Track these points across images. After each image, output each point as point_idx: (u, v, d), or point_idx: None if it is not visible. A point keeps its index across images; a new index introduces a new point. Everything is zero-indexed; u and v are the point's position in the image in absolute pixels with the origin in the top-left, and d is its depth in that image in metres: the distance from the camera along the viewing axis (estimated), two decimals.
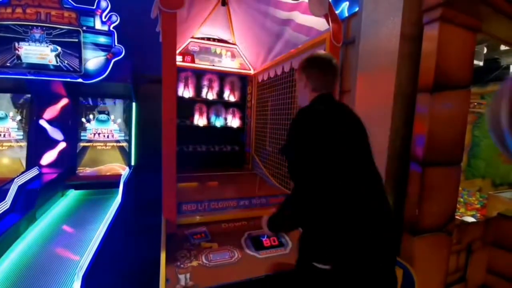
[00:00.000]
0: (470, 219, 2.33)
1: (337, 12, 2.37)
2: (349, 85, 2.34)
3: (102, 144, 3.36)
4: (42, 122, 3.15)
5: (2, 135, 3.00)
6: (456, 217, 2.17)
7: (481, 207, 2.62)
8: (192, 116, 3.23)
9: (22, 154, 3.06)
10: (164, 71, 1.36)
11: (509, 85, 0.50)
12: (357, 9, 2.40)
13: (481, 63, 2.58)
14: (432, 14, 1.64)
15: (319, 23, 1.86)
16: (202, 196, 1.97)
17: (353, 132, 1.06)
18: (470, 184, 3.12)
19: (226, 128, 3.40)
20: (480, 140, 3.09)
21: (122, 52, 3.09)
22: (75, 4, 2.87)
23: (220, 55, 3.19)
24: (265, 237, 1.43)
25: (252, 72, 3.32)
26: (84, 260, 1.48)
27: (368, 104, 1.93)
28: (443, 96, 1.64)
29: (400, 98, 1.70)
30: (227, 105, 3.40)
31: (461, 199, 2.74)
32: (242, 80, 3.42)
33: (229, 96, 3.40)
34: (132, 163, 3.38)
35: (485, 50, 2.59)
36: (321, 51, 1.18)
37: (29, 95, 3.08)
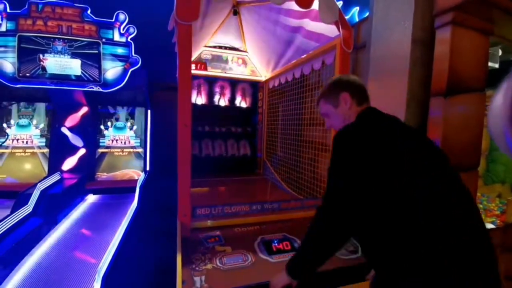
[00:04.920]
0: (490, 226, 2.25)
1: (347, 17, 2.39)
2: None
3: (119, 150, 3.48)
4: (64, 130, 3.30)
5: (25, 142, 3.17)
6: None
7: (501, 213, 2.53)
8: (205, 122, 3.30)
9: (44, 160, 3.21)
10: (180, 80, 1.42)
11: (510, 83, 0.50)
12: (367, 14, 2.41)
13: (496, 65, 2.52)
14: (443, 18, 1.64)
15: (330, 30, 1.88)
16: (216, 200, 2.02)
17: (423, 149, 0.89)
18: (490, 189, 3.01)
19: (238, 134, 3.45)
20: None
21: (138, 62, 3.22)
22: (95, 18, 3.03)
23: (232, 63, 3.26)
24: (276, 242, 1.45)
25: (263, 78, 3.37)
26: (104, 261, 1.54)
27: (380, 108, 1.92)
28: (458, 99, 1.62)
29: (413, 103, 1.69)
30: (239, 111, 3.45)
31: (481, 205, 2.65)
32: (253, 87, 3.47)
33: (241, 102, 3.46)
34: (148, 169, 3.48)
35: (500, 53, 2.53)
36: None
37: (51, 104, 3.25)
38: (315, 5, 1.70)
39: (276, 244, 1.43)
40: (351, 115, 1.04)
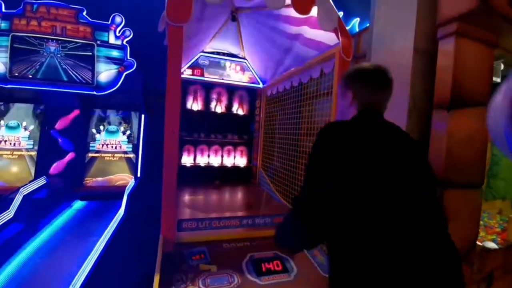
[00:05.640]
0: (491, 244, 2.15)
1: (347, 28, 2.35)
2: None
3: (110, 155, 3.37)
4: (53, 132, 3.20)
5: (13, 144, 3.06)
6: (477, 242, 2.01)
7: (502, 230, 2.43)
8: (201, 129, 3.22)
9: (32, 163, 3.11)
10: (168, 84, 1.34)
11: (510, 83, 0.50)
12: (368, 24, 2.37)
13: (498, 80, 2.48)
14: (447, 29, 1.59)
15: (329, 38, 1.83)
16: (204, 212, 1.90)
17: (389, 163, 0.81)
18: (490, 205, 2.92)
19: (234, 142, 3.37)
20: (500, 159, 2.92)
21: (133, 65, 3.16)
22: (90, 19, 2.97)
23: (229, 69, 3.20)
24: (267, 261, 1.34)
25: (261, 86, 3.31)
26: (79, 276, 1.42)
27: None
28: (462, 113, 1.54)
29: (414, 114, 1.61)
30: (236, 119, 3.38)
31: (481, 222, 2.56)
32: (251, 94, 3.40)
33: (238, 109, 3.39)
34: (139, 175, 3.36)
35: (502, 67, 2.48)
36: (371, 63, 1.02)
37: (42, 106, 3.16)
38: (314, 12, 1.65)
39: (266, 264, 1.33)
40: (349, 113, 0.97)
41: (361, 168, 0.77)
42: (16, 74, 2.83)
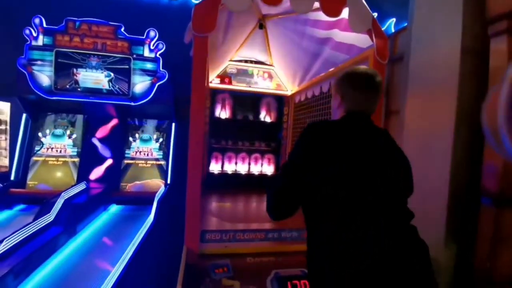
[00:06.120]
0: None
1: (382, 28, 2.20)
2: (397, 105, 2.10)
3: (143, 161, 3.51)
4: (94, 140, 3.43)
5: (59, 151, 3.33)
6: None
7: None
8: (228, 136, 3.24)
9: (75, 169, 3.34)
10: (193, 95, 1.33)
11: (509, 82, 0.50)
12: (405, 24, 2.20)
13: None
14: (497, 26, 1.41)
15: (361, 40, 1.71)
16: (229, 221, 1.84)
17: (367, 160, 0.86)
18: None
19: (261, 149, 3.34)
20: None
21: (165, 76, 3.28)
22: (127, 35, 3.16)
23: (257, 77, 3.19)
24: (293, 279, 1.24)
25: (289, 92, 3.24)
26: (108, 282, 1.45)
27: (422, 126, 1.67)
28: None
29: (463, 123, 1.43)
30: (263, 126, 3.35)
31: None
32: (279, 101, 3.35)
33: (265, 117, 3.35)
34: (168, 182, 3.45)
35: None
36: (363, 66, 1.06)
37: (84, 116, 3.41)
38: (345, 14, 1.55)
39: (293, 282, 1.23)
40: (337, 114, 1.04)
41: (349, 167, 0.83)
42: (60, 87, 3.08)
